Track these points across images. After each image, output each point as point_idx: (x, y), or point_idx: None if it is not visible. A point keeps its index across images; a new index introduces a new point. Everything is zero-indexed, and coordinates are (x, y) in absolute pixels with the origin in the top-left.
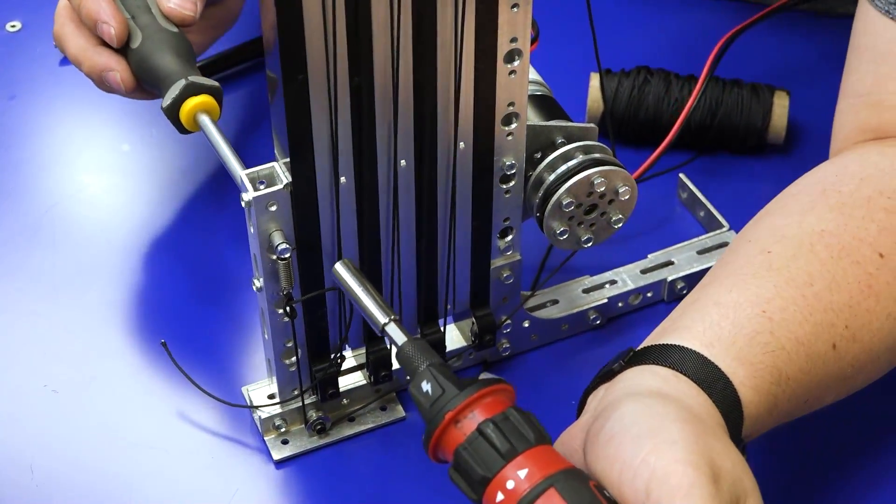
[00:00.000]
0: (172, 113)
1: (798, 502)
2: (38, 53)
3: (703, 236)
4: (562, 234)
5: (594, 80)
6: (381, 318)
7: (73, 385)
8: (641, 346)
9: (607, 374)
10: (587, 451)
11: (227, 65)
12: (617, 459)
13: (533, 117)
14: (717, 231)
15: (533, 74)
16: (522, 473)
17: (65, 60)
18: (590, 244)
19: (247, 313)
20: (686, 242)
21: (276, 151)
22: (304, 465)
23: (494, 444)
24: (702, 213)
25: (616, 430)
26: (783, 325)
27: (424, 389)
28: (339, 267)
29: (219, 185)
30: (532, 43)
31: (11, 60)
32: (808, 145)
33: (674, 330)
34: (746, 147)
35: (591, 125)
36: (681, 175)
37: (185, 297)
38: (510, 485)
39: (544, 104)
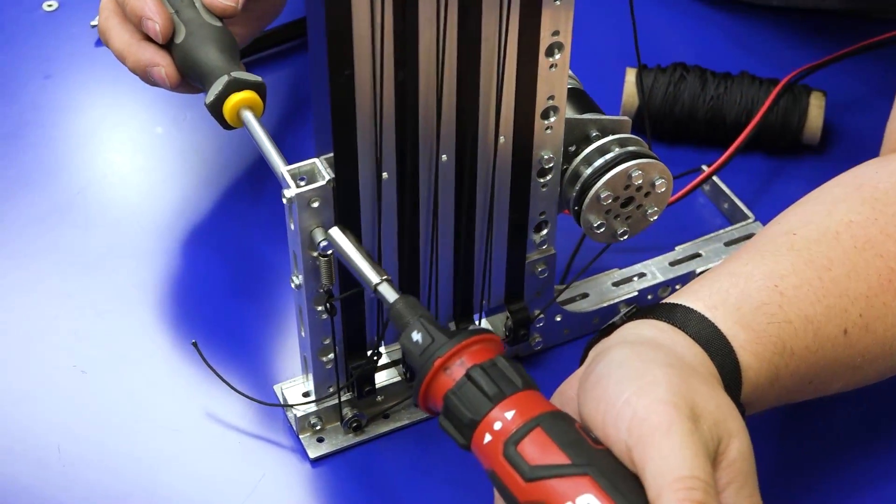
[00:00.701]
0: (216, 109)
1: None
2: (74, 33)
3: (730, 227)
4: (599, 227)
5: (630, 75)
6: (374, 278)
7: (102, 366)
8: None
9: (609, 328)
10: (579, 396)
11: (256, 48)
12: (602, 400)
13: (567, 111)
14: (744, 222)
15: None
16: (510, 415)
17: (100, 41)
18: (626, 237)
19: (277, 304)
20: (713, 234)
21: (316, 147)
22: (339, 463)
23: (482, 387)
24: (726, 205)
25: (603, 373)
26: (794, 301)
27: (415, 339)
28: (332, 232)
29: (251, 170)
30: None
31: (47, 40)
32: (843, 146)
33: (681, 293)
34: (781, 147)
35: (625, 118)
36: (703, 167)
37: (214, 281)
38: (497, 426)
39: (577, 97)
